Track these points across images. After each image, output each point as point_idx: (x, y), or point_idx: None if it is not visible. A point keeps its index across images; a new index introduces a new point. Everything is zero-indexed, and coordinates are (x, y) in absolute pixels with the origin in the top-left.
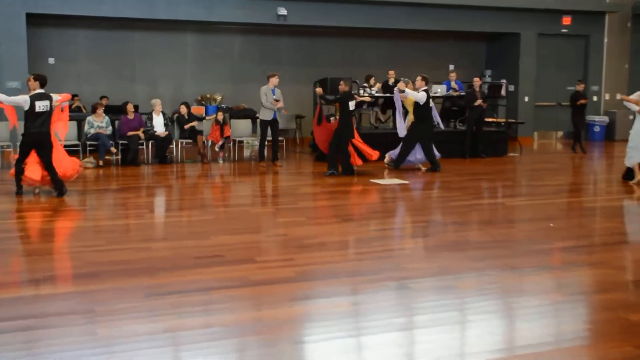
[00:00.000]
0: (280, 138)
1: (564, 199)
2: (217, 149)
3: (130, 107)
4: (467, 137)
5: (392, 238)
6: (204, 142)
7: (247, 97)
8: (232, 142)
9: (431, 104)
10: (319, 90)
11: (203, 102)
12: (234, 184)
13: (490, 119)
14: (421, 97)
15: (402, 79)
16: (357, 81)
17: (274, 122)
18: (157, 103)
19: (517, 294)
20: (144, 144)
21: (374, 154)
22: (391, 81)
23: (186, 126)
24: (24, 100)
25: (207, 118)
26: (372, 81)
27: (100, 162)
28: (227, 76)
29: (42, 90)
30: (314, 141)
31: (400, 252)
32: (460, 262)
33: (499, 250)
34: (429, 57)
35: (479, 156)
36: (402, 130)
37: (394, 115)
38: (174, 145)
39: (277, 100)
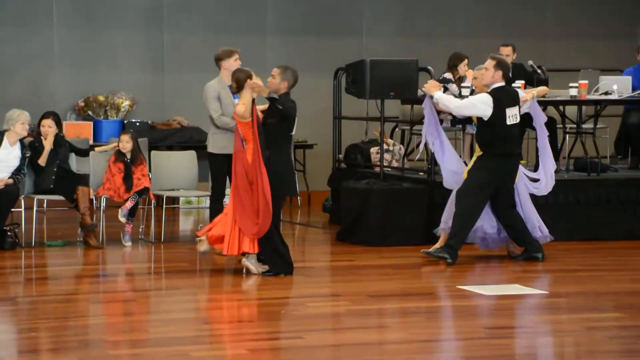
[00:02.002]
0: None
1: None
2: (121, 218)
3: None
4: None
5: None
6: (91, 202)
7: (187, 104)
8: (154, 203)
9: (513, 119)
10: (255, 83)
11: (90, 114)
12: (157, 296)
13: None
14: (473, 105)
15: (472, 71)
16: (429, 69)
17: None
18: (20, 118)
19: None
20: None
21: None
22: None
23: (41, 159)
24: None
25: (97, 149)
26: (463, 67)
27: None
28: (142, 57)
29: None
30: (332, 199)
31: None
32: None
33: None
34: (592, 14)
35: None
36: (447, 174)
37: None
38: (23, 209)
39: None
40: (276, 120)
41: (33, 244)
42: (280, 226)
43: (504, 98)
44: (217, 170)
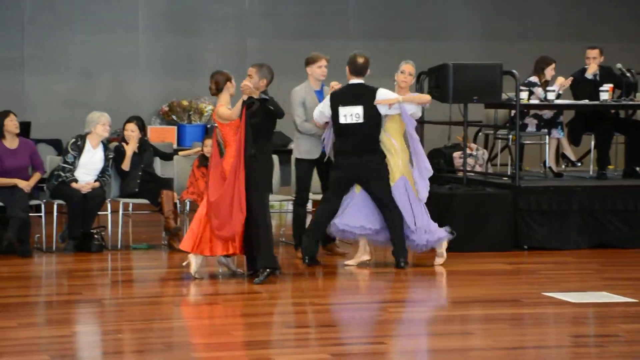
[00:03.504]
0: None
1: None
2: None
3: (11, 124)
4: None
5: None
6: (175, 205)
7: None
8: None
9: (351, 117)
10: (246, 85)
11: (174, 118)
12: (241, 299)
13: None
14: (319, 110)
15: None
16: (514, 72)
17: (323, 164)
18: (100, 120)
19: None
20: (42, 207)
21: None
22: (592, 70)
23: (124, 164)
24: None
25: (181, 153)
26: (550, 71)
27: None
28: (225, 62)
29: None
30: None
31: None
32: None
33: None
34: None
35: None
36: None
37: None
38: (109, 212)
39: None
40: (260, 119)
41: (119, 247)
42: (270, 222)
43: (344, 96)
44: (302, 174)
